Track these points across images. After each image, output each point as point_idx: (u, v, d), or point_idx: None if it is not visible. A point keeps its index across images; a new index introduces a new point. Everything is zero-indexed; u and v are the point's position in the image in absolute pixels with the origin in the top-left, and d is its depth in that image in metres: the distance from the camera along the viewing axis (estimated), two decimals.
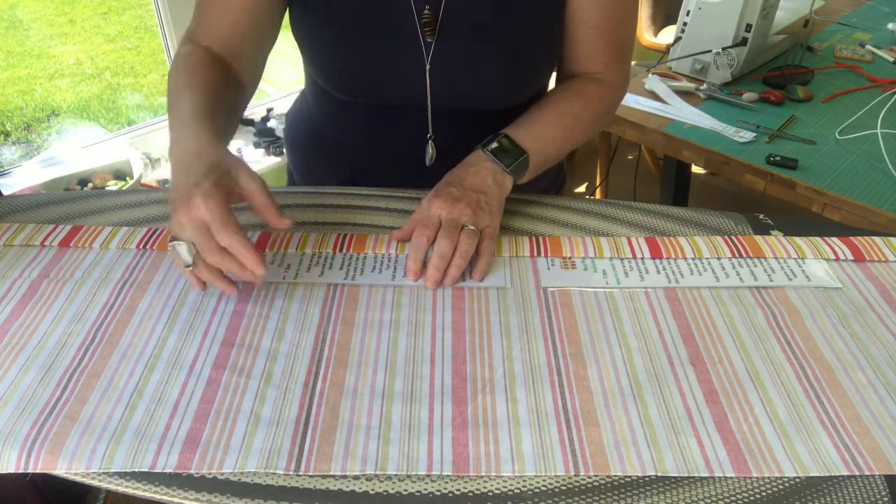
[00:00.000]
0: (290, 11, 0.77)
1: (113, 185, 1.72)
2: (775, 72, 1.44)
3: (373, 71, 0.76)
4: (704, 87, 1.39)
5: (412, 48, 0.74)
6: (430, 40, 0.73)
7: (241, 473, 0.48)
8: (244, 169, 0.61)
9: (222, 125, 0.65)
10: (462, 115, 0.80)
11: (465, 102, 0.78)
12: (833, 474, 0.49)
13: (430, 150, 0.81)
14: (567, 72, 0.83)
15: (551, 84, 0.89)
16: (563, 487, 0.48)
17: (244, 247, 0.57)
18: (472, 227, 0.66)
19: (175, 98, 0.68)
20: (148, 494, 0.47)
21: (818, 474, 0.49)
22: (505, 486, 0.48)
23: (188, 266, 0.59)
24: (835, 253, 0.71)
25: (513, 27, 0.74)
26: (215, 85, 0.69)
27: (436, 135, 0.81)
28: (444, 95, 0.77)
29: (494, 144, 0.73)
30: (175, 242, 0.58)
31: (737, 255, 0.70)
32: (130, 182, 1.69)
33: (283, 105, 2.09)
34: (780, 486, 0.48)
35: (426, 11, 0.72)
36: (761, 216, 0.78)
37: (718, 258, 0.70)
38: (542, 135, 0.76)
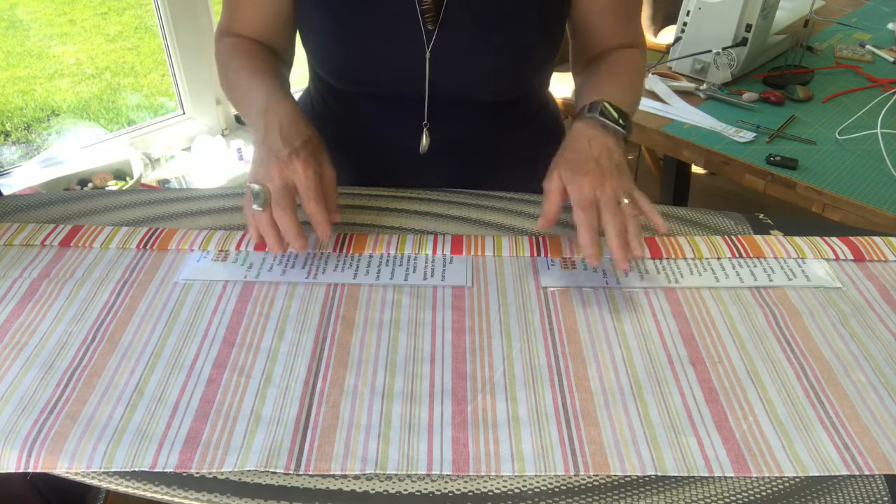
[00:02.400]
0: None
1: (113, 185, 1.72)
2: (775, 72, 1.45)
3: (372, 59, 0.76)
4: (704, 87, 1.39)
5: (413, 36, 0.74)
6: (430, 28, 0.73)
7: (242, 473, 0.48)
8: (327, 156, 0.68)
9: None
10: (459, 105, 0.80)
11: (465, 92, 0.78)
12: (833, 474, 0.49)
13: (424, 139, 0.81)
14: (593, 53, 0.84)
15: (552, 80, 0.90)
16: (563, 487, 0.48)
17: (322, 216, 0.64)
18: (626, 201, 0.65)
19: (246, 74, 0.75)
20: (148, 494, 0.47)
21: (818, 474, 0.49)
22: (505, 486, 0.48)
23: (255, 209, 0.64)
24: (835, 253, 0.71)
25: (516, 16, 0.74)
26: (279, 70, 0.78)
27: (431, 124, 0.81)
28: (443, 84, 0.77)
29: (600, 109, 0.70)
30: (253, 185, 0.63)
31: (737, 255, 0.70)
32: (130, 182, 1.69)
33: None
34: (780, 486, 0.48)
35: None
36: (761, 216, 0.78)
37: (718, 258, 0.70)
38: (625, 100, 0.74)
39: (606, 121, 0.69)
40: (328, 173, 0.68)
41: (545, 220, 0.67)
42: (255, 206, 0.64)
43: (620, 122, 0.70)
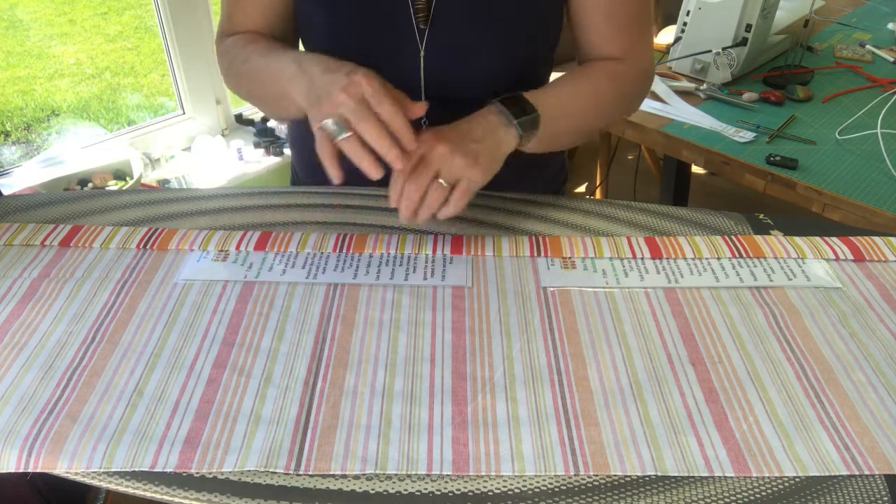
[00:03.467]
0: None
1: (113, 185, 1.72)
2: (775, 72, 1.45)
3: (367, 57, 0.76)
4: (704, 87, 1.39)
5: (406, 34, 0.74)
6: (423, 27, 0.74)
7: (242, 473, 0.48)
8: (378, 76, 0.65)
9: None
10: (457, 104, 0.80)
11: (459, 90, 0.78)
12: (833, 474, 0.49)
13: None
14: (583, 58, 0.82)
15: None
16: (563, 487, 0.48)
17: (402, 118, 0.61)
18: (443, 183, 0.63)
19: (259, 54, 0.74)
20: (148, 494, 0.47)
21: (818, 474, 0.49)
22: (505, 486, 0.48)
23: (342, 139, 0.61)
24: (835, 253, 0.71)
25: (509, 15, 0.74)
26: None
27: (430, 122, 0.81)
28: (438, 83, 0.77)
29: (505, 97, 0.69)
30: (326, 122, 0.61)
31: (737, 255, 0.70)
32: (130, 182, 1.69)
33: None
34: (780, 486, 0.48)
35: None
36: (761, 216, 0.78)
37: (718, 258, 0.70)
38: (557, 103, 0.73)
39: (503, 108, 0.68)
40: (388, 84, 0.65)
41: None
42: (341, 137, 0.61)
43: (517, 115, 0.68)
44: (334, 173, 0.63)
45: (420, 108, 0.65)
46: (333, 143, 0.62)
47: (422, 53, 0.75)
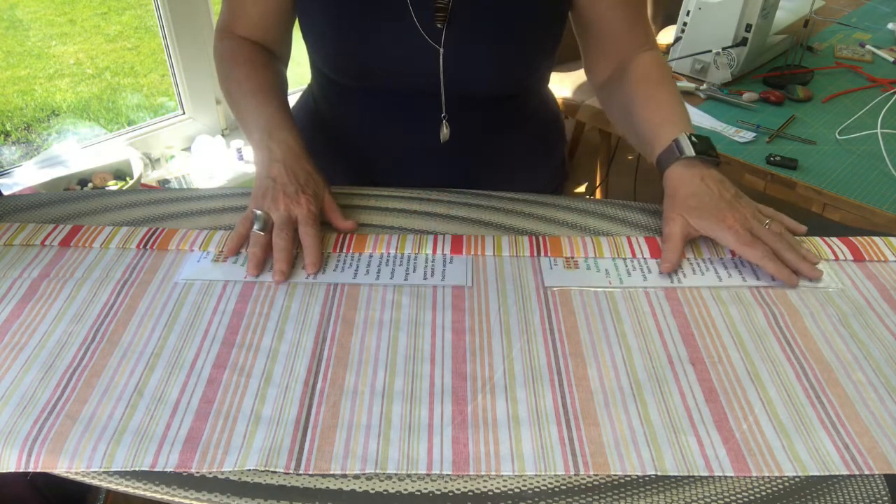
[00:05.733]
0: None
1: (113, 185, 1.72)
2: (775, 72, 1.45)
3: (372, 54, 0.76)
4: (704, 87, 1.39)
5: (419, 32, 0.74)
6: (440, 26, 0.74)
7: (242, 473, 0.48)
8: (327, 185, 0.74)
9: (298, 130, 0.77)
10: (476, 102, 0.81)
11: (478, 88, 0.79)
12: (833, 474, 0.49)
13: (445, 129, 0.82)
14: (610, 55, 0.83)
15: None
16: (563, 487, 0.48)
17: (317, 249, 0.67)
18: (768, 221, 0.69)
19: (248, 90, 0.78)
20: (148, 494, 0.47)
21: (818, 474, 0.49)
22: (505, 486, 0.48)
23: (255, 231, 0.68)
24: (835, 253, 0.71)
25: (517, 12, 0.74)
26: (279, 83, 0.81)
27: (450, 119, 0.81)
28: (457, 81, 0.77)
29: (693, 150, 0.70)
30: (256, 211, 0.68)
31: (737, 255, 0.70)
32: (130, 182, 1.69)
33: None
34: (780, 486, 0.48)
35: None
36: None
37: (720, 258, 0.70)
38: (687, 120, 0.76)
39: (706, 157, 0.71)
40: (328, 197, 0.73)
41: (670, 266, 0.68)
42: (255, 228, 0.67)
43: (711, 152, 0.71)
44: (231, 247, 0.69)
45: (345, 224, 0.73)
46: (248, 227, 0.69)
47: (441, 51, 0.75)
